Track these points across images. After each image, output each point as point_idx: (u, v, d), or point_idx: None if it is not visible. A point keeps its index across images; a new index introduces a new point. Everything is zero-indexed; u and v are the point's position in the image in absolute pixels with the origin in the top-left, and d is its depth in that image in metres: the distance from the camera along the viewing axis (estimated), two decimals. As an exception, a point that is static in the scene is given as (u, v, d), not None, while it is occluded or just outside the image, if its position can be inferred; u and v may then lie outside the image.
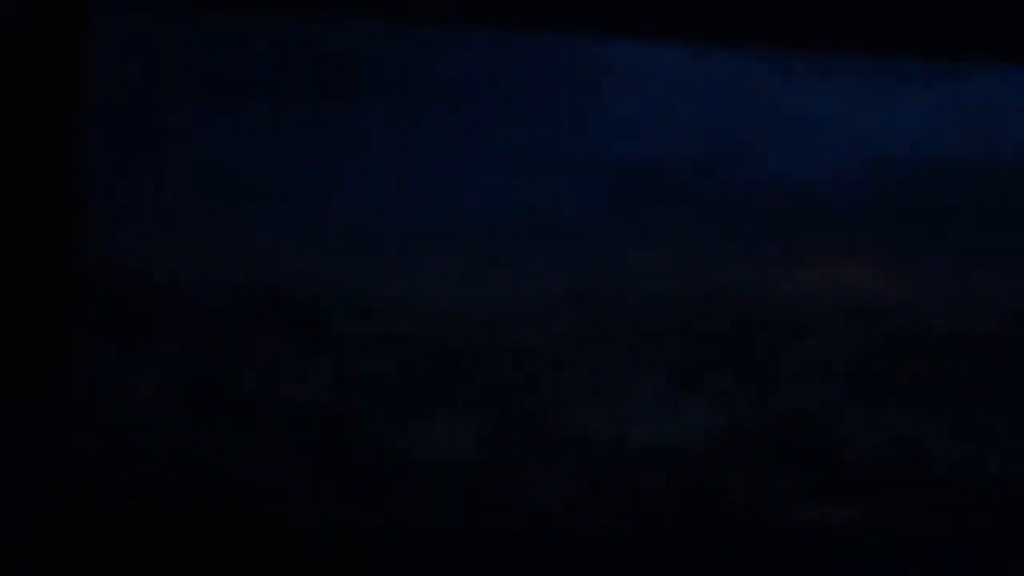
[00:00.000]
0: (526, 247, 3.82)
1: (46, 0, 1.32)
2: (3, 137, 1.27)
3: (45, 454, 1.28)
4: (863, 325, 4.71)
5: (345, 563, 1.76)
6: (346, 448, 3.74)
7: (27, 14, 1.29)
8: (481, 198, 3.82)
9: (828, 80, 3.40)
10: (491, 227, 3.84)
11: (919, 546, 2.40)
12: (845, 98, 3.65)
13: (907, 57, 2.12)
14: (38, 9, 1.30)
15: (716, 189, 4.00)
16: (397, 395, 4.04)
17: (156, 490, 1.53)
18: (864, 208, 4.18)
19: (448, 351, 4.14)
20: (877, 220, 4.21)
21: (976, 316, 4.28)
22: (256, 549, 1.63)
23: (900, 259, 4.08)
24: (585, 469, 4.04)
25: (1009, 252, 4.06)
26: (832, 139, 4.09)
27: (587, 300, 3.94)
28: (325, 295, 4.35)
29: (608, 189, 4.06)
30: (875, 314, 4.54)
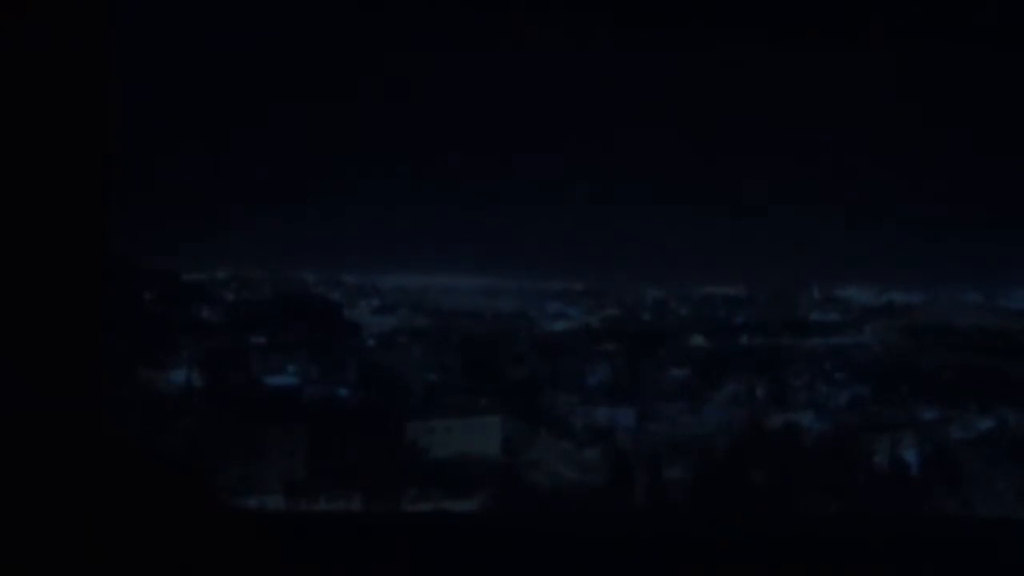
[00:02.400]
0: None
1: (70, 5, 1.35)
2: (29, 137, 1.31)
3: (68, 447, 1.31)
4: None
5: (366, 555, 1.78)
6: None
7: (52, 16, 1.32)
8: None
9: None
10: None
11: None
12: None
13: (908, 48, 2.10)
14: (62, 13, 1.33)
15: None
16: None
17: (170, 486, 1.55)
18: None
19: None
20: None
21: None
22: (272, 543, 1.65)
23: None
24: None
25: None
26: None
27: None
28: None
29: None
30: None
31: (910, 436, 12.29)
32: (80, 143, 1.32)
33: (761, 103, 11.12)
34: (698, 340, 14.61)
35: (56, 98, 1.30)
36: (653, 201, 12.30)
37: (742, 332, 14.33)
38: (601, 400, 15.28)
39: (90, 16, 1.34)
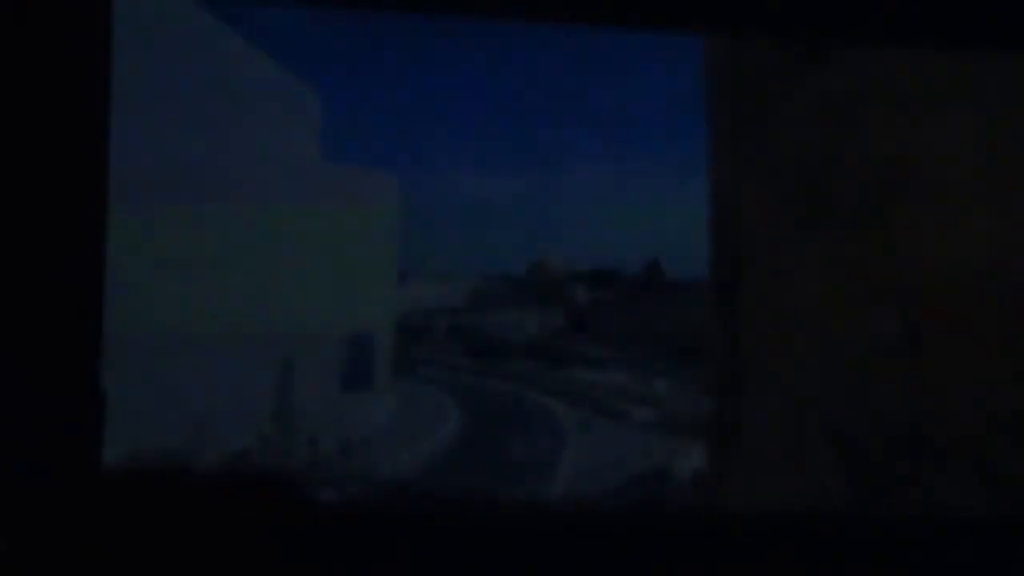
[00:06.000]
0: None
1: (67, 4, 1.34)
2: (28, 135, 1.31)
3: (67, 457, 1.31)
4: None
5: (358, 552, 1.78)
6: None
7: (49, 15, 1.31)
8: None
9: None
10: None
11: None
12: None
13: (914, 46, 2.10)
14: (59, 13, 1.33)
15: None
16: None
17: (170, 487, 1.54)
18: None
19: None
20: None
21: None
22: (262, 542, 1.65)
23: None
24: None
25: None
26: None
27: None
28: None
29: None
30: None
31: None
32: (80, 141, 1.31)
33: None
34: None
35: (56, 94, 1.30)
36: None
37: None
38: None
39: (91, 15, 1.33)
